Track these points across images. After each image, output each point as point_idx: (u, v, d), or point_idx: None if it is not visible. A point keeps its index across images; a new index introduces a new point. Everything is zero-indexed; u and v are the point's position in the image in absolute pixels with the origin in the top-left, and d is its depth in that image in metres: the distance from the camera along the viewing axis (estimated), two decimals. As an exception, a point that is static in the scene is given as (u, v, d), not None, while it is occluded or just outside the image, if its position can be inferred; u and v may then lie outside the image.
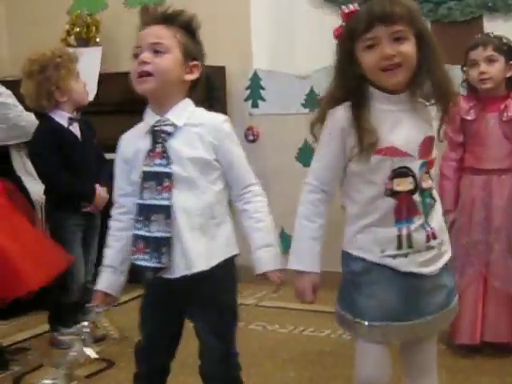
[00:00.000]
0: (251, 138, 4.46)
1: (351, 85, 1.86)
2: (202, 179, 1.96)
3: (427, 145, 1.87)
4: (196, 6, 4.49)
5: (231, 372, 2.07)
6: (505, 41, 3.04)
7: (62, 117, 3.31)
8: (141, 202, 1.95)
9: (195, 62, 2.01)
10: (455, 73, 3.20)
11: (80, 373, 2.97)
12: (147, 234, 1.94)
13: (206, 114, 2.03)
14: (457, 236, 3.07)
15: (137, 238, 1.96)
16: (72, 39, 4.83)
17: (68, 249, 3.30)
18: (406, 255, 1.86)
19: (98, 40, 4.84)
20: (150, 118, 2.01)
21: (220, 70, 4.46)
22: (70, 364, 2.04)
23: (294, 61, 4.32)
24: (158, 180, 1.93)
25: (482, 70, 2.99)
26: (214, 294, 1.99)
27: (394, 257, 1.86)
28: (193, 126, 1.97)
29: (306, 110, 4.00)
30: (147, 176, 1.94)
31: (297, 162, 4.15)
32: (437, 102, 1.87)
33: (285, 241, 4.42)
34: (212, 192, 1.98)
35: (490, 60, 3.01)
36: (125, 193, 2.05)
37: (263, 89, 4.45)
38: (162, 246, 1.92)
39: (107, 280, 2.06)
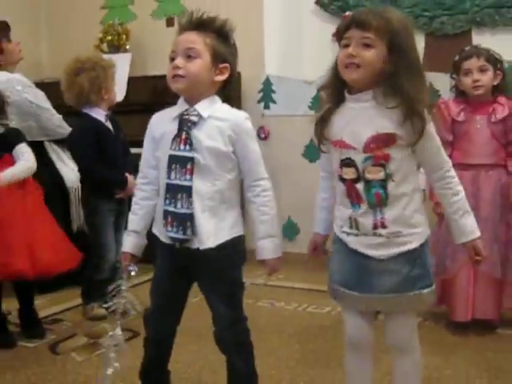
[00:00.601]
0: (263, 136, 4.47)
1: (331, 85, 1.92)
2: (217, 168, 1.98)
3: (377, 140, 1.84)
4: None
5: (241, 336, 2.09)
6: (492, 53, 3.05)
7: (99, 114, 3.31)
8: (168, 181, 1.99)
9: (225, 64, 2.02)
10: (446, 80, 3.21)
11: (108, 342, 2.98)
12: (174, 209, 1.97)
13: (230, 110, 2.05)
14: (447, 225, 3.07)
15: (166, 213, 1.99)
16: (105, 46, 4.84)
17: (102, 231, 3.34)
18: (355, 235, 1.91)
19: (127, 47, 4.86)
20: (180, 105, 2.03)
21: (236, 76, 4.44)
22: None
23: (302, 68, 4.32)
24: (182, 163, 1.96)
25: (476, 78, 3.01)
26: (222, 269, 2.02)
27: (348, 234, 1.93)
28: (216, 120, 1.99)
29: (312, 112, 3.98)
30: (173, 159, 1.97)
31: (303, 158, 4.15)
32: (398, 107, 1.82)
33: (291, 228, 4.46)
34: (225, 180, 2.00)
35: (482, 69, 3.03)
36: (149, 165, 2.08)
37: (274, 92, 4.45)
38: (186, 220, 1.95)
39: (133, 243, 2.10)
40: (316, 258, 2.07)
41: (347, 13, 1.91)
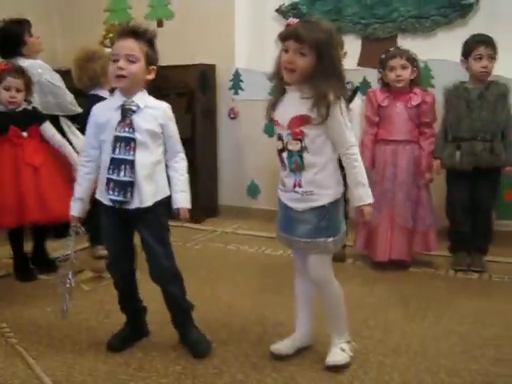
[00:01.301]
0: (232, 116, 4.46)
1: (276, 77, 1.97)
2: (152, 144, 2.07)
3: (295, 120, 1.92)
4: (192, 24, 4.51)
5: (175, 266, 2.17)
6: (410, 53, 3.08)
7: (105, 94, 3.26)
8: (114, 156, 2.05)
9: (153, 67, 2.09)
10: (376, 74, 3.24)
11: (84, 286, 2.99)
12: (117, 178, 2.04)
13: (157, 102, 2.13)
14: (373, 187, 3.11)
15: (109, 180, 2.05)
16: (107, 42, 4.75)
17: None
18: (284, 191, 2.01)
19: (125, 43, 4.77)
20: (118, 98, 2.08)
21: (212, 67, 4.43)
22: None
23: (264, 62, 4.23)
24: (126, 142, 2.03)
25: (399, 74, 3.04)
26: (156, 217, 2.10)
27: (281, 190, 2.03)
28: (150, 109, 2.08)
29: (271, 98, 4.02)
30: (118, 139, 2.04)
31: (264, 134, 4.15)
32: (311, 98, 1.89)
33: (254, 188, 4.49)
34: (158, 152, 2.10)
35: (404, 67, 3.04)
36: (92, 146, 2.13)
37: (242, 81, 4.41)
38: (127, 186, 2.03)
39: (79, 208, 2.15)
40: None
41: (290, 20, 1.91)
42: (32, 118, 2.98)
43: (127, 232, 2.15)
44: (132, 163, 2.02)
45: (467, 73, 3.09)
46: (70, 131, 3.79)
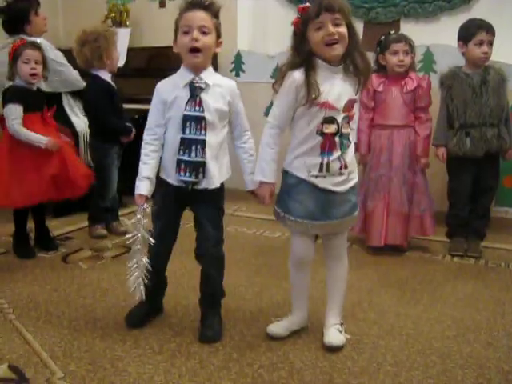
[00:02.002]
0: (235, 98, 4.46)
1: (303, 57, 1.91)
2: (219, 123, 2.03)
3: (349, 104, 1.94)
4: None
5: (221, 251, 2.17)
6: (409, 38, 3.06)
7: (106, 75, 3.26)
8: (184, 136, 2.00)
9: (221, 40, 2.05)
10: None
11: (108, 255, 3.04)
12: (189, 158, 2.00)
13: (224, 79, 2.10)
14: (369, 172, 3.14)
15: (180, 161, 2.01)
16: (109, 22, 4.75)
17: (110, 170, 3.34)
18: (324, 176, 1.95)
19: (127, 23, 4.75)
20: (185, 75, 2.02)
21: (213, 49, 4.41)
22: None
23: (266, 45, 4.30)
24: (197, 121, 1.99)
25: (401, 59, 3.01)
26: (216, 199, 2.10)
27: (316, 177, 1.95)
28: (217, 87, 2.03)
29: (273, 80, 4.01)
30: (188, 118, 1.99)
31: (264, 117, 4.14)
32: (358, 75, 1.92)
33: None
34: (223, 133, 2.06)
35: (407, 52, 3.02)
36: (159, 124, 2.06)
37: (244, 64, 4.41)
38: (199, 167, 2.00)
39: (147, 187, 2.05)
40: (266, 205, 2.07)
41: (301, 5, 1.90)
42: (44, 100, 3.03)
43: (179, 210, 2.14)
44: (203, 143, 1.98)
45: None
46: (72, 111, 3.81)
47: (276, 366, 1.94)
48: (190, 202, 2.11)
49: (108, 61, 3.24)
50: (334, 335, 2.07)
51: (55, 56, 3.54)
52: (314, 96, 1.88)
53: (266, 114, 4.21)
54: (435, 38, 3.75)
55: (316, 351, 2.04)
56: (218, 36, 2.02)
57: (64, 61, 3.60)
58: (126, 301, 2.35)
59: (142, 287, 2.05)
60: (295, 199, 1.99)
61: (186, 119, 1.99)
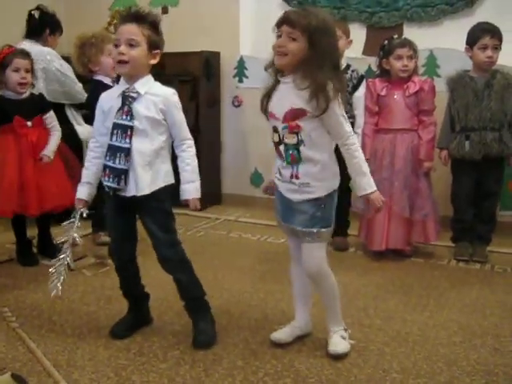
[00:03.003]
0: (236, 104, 4.45)
1: (273, 69, 1.97)
2: (153, 131, 2.03)
3: (291, 114, 1.90)
4: (197, 11, 4.48)
5: (180, 254, 2.14)
6: (413, 44, 3.06)
7: (106, 79, 3.23)
8: (111, 143, 2.04)
9: (157, 51, 2.05)
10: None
11: (111, 262, 3.02)
12: (113, 165, 2.03)
13: (161, 87, 2.09)
14: (371, 176, 3.11)
15: (105, 166, 2.05)
16: (112, 28, 4.74)
17: None
18: (281, 181, 2.00)
19: (130, 30, 4.76)
20: (122, 85, 2.08)
21: (216, 55, 4.41)
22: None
23: (269, 50, 4.26)
24: (123, 129, 2.01)
25: (405, 64, 3.01)
26: (158, 205, 2.08)
27: (277, 179, 2.02)
28: (151, 95, 2.04)
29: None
30: (116, 126, 2.03)
31: (267, 122, 4.14)
32: (307, 89, 1.85)
33: (257, 177, 4.48)
34: (159, 140, 2.06)
35: (411, 57, 3.02)
36: (100, 133, 2.12)
37: (246, 69, 4.40)
38: (121, 174, 2.01)
39: (87, 192, 2.15)
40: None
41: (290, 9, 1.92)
42: (37, 107, 2.98)
43: (128, 218, 2.14)
44: (128, 151, 2.00)
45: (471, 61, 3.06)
46: (75, 119, 3.81)
47: (281, 373, 1.92)
48: (134, 210, 2.11)
49: (96, 67, 3.20)
50: (338, 343, 2.06)
51: (60, 66, 3.57)
52: (263, 110, 1.97)
53: (270, 119, 4.23)
54: (438, 41, 3.73)
55: (321, 358, 2.03)
56: (154, 47, 2.03)
57: (69, 73, 3.61)
58: (129, 308, 2.33)
59: (59, 284, 2.15)
60: (275, 198, 2.08)
61: (114, 127, 2.03)
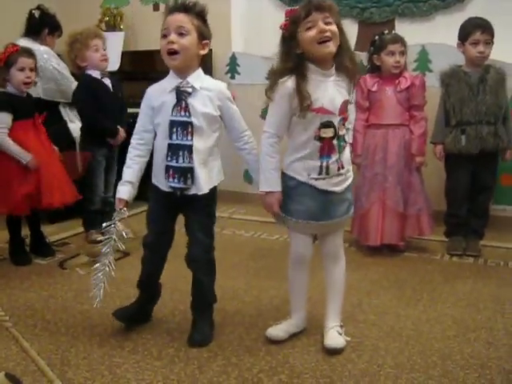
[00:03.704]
0: (231, 100, 4.45)
1: (293, 62, 1.90)
2: (208, 128, 1.99)
3: (344, 106, 1.94)
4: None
5: (211, 256, 2.15)
6: (404, 39, 3.07)
7: (94, 73, 3.22)
8: (170, 142, 1.98)
9: (206, 41, 2.02)
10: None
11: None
12: (176, 164, 1.98)
13: (213, 81, 2.06)
14: (364, 171, 3.13)
15: (168, 167, 1.99)
16: (103, 25, 4.73)
17: (95, 172, 3.31)
18: (324, 179, 1.96)
19: (121, 27, 4.74)
20: (173, 80, 2.01)
21: (209, 52, 4.37)
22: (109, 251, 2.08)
23: (261, 46, 4.28)
24: (183, 127, 1.96)
25: (397, 60, 3.01)
26: (205, 205, 2.06)
27: (316, 179, 1.96)
28: (205, 90, 1.99)
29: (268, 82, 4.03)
30: (174, 123, 1.97)
31: (260, 118, 4.13)
32: (349, 76, 1.93)
33: (248, 175, 4.47)
34: (213, 138, 2.03)
35: (402, 53, 3.02)
36: (146, 129, 2.06)
37: (239, 66, 4.39)
38: (187, 172, 1.97)
39: (128, 191, 2.06)
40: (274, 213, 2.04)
41: (288, 9, 1.90)
42: (37, 105, 3.04)
43: (172, 216, 2.12)
44: (190, 148, 1.96)
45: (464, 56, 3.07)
46: (68, 117, 3.81)
47: (276, 370, 1.92)
48: (181, 208, 2.09)
49: (84, 63, 3.19)
50: (335, 337, 2.06)
51: (57, 64, 3.61)
52: (305, 105, 1.88)
53: (262, 115, 4.23)
54: (430, 37, 3.74)
55: (316, 354, 2.03)
56: (203, 38, 2.00)
57: (66, 72, 3.65)
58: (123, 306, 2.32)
59: (101, 292, 2.04)
60: (296, 200, 1.99)
61: (172, 125, 1.97)
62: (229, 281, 2.71)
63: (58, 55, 3.70)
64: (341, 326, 2.12)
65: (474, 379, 1.86)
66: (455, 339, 2.14)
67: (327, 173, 1.95)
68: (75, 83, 3.60)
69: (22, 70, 2.85)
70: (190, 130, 1.96)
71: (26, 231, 3.14)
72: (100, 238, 3.25)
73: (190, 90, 1.97)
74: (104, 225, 2.08)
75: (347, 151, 2.02)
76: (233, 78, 4.42)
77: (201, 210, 2.06)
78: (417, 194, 3.09)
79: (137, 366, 1.95)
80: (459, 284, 2.70)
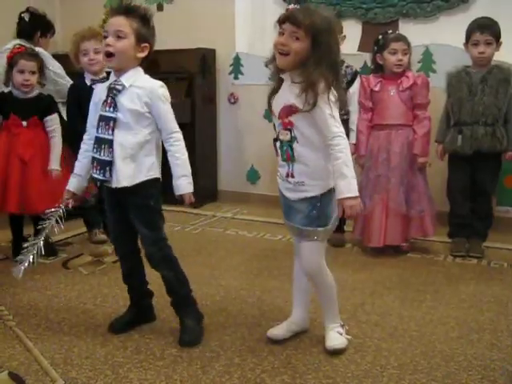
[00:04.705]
0: (232, 101, 4.44)
1: (275, 66, 1.94)
2: (136, 124, 2.03)
3: (284, 111, 1.91)
4: (192, 8, 4.47)
5: (164, 250, 2.13)
6: (407, 39, 3.06)
7: (87, 77, 3.15)
8: (97, 135, 2.05)
9: (145, 44, 2.04)
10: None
11: (108, 260, 3.03)
12: (99, 156, 2.04)
13: (148, 80, 2.07)
14: (367, 172, 3.13)
15: (93, 159, 2.07)
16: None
17: None
18: (281, 179, 2.00)
19: (125, 27, 4.75)
20: (111, 78, 2.08)
21: (212, 52, 4.40)
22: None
23: (264, 47, 4.24)
24: (106, 121, 2.02)
25: (400, 59, 3.01)
26: (143, 201, 2.07)
27: (278, 178, 2.02)
28: (135, 88, 2.03)
29: (272, 83, 4.02)
30: (101, 118, 2.04)
31: (263, 119, 4.13)
32: (299, 84, 1.85)
33: (253, 174, 4.48)
34: (143, 133, 2.04)
35: (405, 52, 3.02)
36: (92, 125, 2.12)
37: (242, 66, 4.39)
38: (106, 165, 2.02)
39: (76, 183, 2.17)
40: None
41: (290, 6, 1.88)
42: (40, 107, 2.99)
43: (121, 212, 2.12)
44: (111, 143, 2.01)
45: (469, 57, 3.07)
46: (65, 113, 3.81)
47: (278, 370, 1.92)
48: (123, 204, 2.09)
49: (78, 65, 3.16)
50: (335, 338, 2.06)
51: (52, 66, 3.60)
52: (267, 100, 1.97)
53: (266, 116, 4.25)
54: (434, 37, 3.73)
55: (318, 355, 2.03)
56: (143, 40, 2.02)
57: (61, 71, 3.64)
58: (126, 306, 2.33)
59: (26, 264, 2.16)
60: (279, 195, 2.07)
61: (99, 119, 2.04)
62: (231, 281, 2.71)
63: (58, 55, 3.70)
64: (341, 326, 2.11)
65: (477, 381, 1.86)
66: (458, 340, 2.14)
67: (280, 173, 2.00)
68: (70, 81, 3.61)
69: (21, 72, 2.88)
70: (111, 124, 2.01)
71: (29, 231, 3.14)
72: (103, 237, 3.30)
73: (119, 87, 2.03)
74: (47, 211, 2.19)
75: (303, 165, 1.91)
76: (236, 78, 4.42)
77: (139, 205, 2.07)
78: (420, 194, 3.08)
79: (139, 365, 1.96)
80: (462, 285, 2.70)
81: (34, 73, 2.91)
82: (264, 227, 3.68)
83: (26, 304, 2.48)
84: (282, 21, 1.85)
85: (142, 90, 2.02)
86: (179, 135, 2.08)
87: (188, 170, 2.07)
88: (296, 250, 2.11)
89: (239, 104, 4.42)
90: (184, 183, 2.05)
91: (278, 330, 2.13)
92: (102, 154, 2.03)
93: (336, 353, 2.02)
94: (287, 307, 2.27)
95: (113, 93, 2.02)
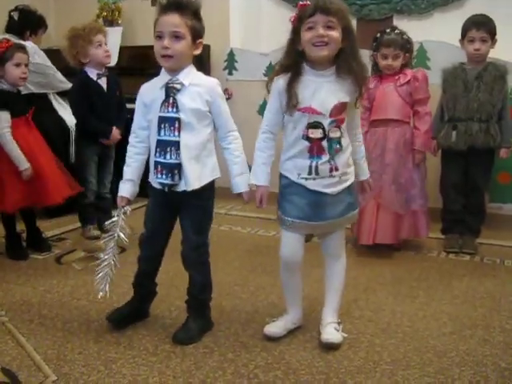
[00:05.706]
0: (226, 96, 4.33)
1: (292, 59, 1.92)
2: (198, 124, 1.98)
3: (338, 108, 1.91)
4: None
5: (203, 256, 2.12)
6: (405, 37, 3.01)
7: (92, 72, 3.21)
8: (159, 138, 1.98)
9: (200, 40, 2.00)
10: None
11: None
12: (164, 160, 1.97)
13: (205, 78, 2.04)
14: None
15: (157, 163, 1.99)
16: (101, 20, 4.72)
17: (85, 168, 3.31)
18: (314, 179, 1.95)
19: (119, 22, 4.73)
20: (164, 77, 2.00)
21: (206, 48, 4.38)
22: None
23: (259, 42, 4.29)
24: (170, 122, 1.96)
25: (390, 64, 2.99)
26: (200, 202, 2.05)
27: (306, 179, 1.95)
28: (195, 86, 1.98)
29: (266, 78, 4.01)
30: (162, 119, 1.97)
31: (258, 115, 4.13)
32: (354, 80, 1.90)
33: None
34: (205, 133, 2.01)
35: (397, 56, 2.98)
36: (140, 127, 2.07)
37: (236, 62, 4.38)
38: (174, 169, 1.96)
39: (129, 189, 2.09)
40: (263, 208, 2.04)
41: (301, 2, 1.87)
42: (30, 102, 3.03)
43: (169, 214, 2.10)
44: (177, 145, 1.95)
45: (463, 54, 3.07)
46: (58, 104, 3.82)
47: (272, 366, 1.92)
48: (176, 205, 2.07)
49: (86, 59, 3.18)
50: (332, 333, 2.06)
51: (42, 59, 3.59)
52: (292, 104, 1.90)
53: (260, 112, 4.24)
54: (428, 34, 3.74)
55: (312, 351, 2.03)
56: (198, 37, 1.98)
57: (49, 63, 3.68)
58: (119, 302, 2.32)
59: (107, 285, 2.08)
60: (288, 200, 2.00)
61: (160, 121, 1.97)
62: (225, 277, 2.70)
63: (52, 50, 3.70)
64: (338, 323, 2.12)
65: (469, 376, 1.87)
66: (451, 336, 2.15)
67: (317, 173, 1.94)
68: (59, 73, 3.65)
69: (18, 65, 2.84)
70: (177, 125, 1.95)
71: (22, 226, 3.13)
72: (97, 233, 3.30)
73: (178, 86, 1.97)
74: (107, 222, 2.12)
75: (344, 155, 1.97)
76: (230, 74, 4.41)
77: (193, 207, 2.04)
78: (414, 192, 3.07)
79: (133, 361, 1.95)
80: (455, 281, 2.71)
81: (27, 65, 2.90)
82: (258, 223, 3.68)
83: (19, 299, 2.47)
84: (311, 13, 1.83)
85: (202, 88, 1.98)
86: (237, 133, 2.08)
87: (246, 168, 2.06)
88: (300, 251, 2.07)
89: (233, 100, 4.40)
90: (243, 181, 2.04)
91: (275, 328, 2.12)
92: (167, 158, 1.96)
93: (331, 347, 2.02)
94: (281, 303, 2.27)
95: (172, 92, 1.96)
